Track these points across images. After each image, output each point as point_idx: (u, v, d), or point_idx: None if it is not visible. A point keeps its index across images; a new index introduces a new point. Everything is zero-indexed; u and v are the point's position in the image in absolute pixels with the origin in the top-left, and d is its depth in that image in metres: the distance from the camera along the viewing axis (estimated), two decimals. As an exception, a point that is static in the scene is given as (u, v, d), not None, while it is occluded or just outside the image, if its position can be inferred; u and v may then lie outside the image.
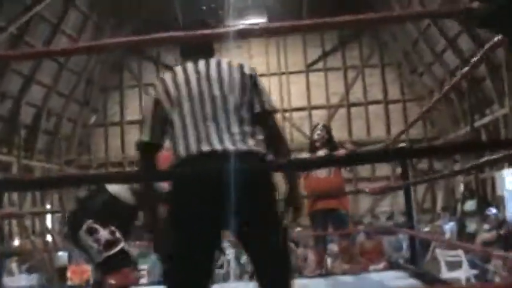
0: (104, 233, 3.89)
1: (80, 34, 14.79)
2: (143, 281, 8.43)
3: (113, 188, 4.05)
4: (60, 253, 12.35)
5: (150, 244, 9.95)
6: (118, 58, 17.56)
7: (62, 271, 11.76)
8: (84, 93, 16.83)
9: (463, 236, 11.30)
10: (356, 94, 17.65)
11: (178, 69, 2.75)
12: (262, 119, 2.80)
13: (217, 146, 2.52)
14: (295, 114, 17.69)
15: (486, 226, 9.79)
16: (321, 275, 6.28)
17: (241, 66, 2.79)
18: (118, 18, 16.01)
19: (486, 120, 12.95)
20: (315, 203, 6.41)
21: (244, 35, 3.53)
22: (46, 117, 14.94)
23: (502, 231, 9.06)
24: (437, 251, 9.48)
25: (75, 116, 16.77)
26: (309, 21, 2.81)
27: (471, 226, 11.24)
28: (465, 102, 13.59)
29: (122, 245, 3.93)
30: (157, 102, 2.66)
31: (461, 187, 13.90)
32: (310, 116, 17.60)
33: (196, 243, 2.52)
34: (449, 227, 12.02)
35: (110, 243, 3.87)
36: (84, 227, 3.92)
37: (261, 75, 16.83)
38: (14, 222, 13.31)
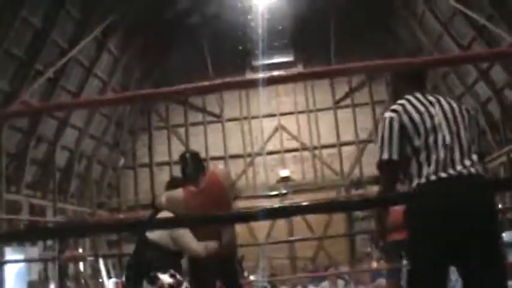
0: (165, 278, 4.00)
1: (110, 77, 14.95)
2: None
3: (154, 236, 4.19)
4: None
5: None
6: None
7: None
8: (114, 135, 16.92)
9: None
10: (385, 129, 17.57)
11: (413, 99, 2.94)
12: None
13: (462, 171, 2.73)
14: (325, 152, 17.64)
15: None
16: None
17: (464, 106, 3.01)
18: (147, 62, 16.18)
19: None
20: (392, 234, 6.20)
21: (277, 82, 3.52)
22: (78, 161, 14.98)
23: None
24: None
25: (104, 158, 16.81)
26: (341, 66, 2.87)
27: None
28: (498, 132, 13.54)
29: (184, 285, 4.06)
30: (402, 126, 2.85)
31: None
32: (339, 152, 17.54)
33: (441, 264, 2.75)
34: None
35: (174, 286, 3.99)
36: (146, 278, 4.02)
37: (289, 113, 17.01)
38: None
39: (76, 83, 13.67)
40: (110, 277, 14.61)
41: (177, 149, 17.58)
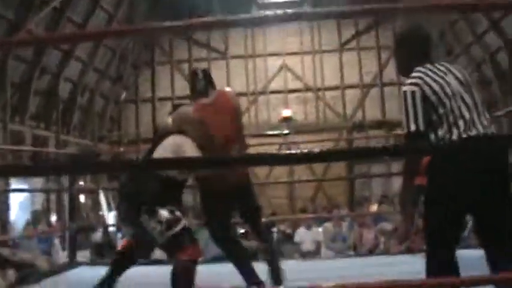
0: (163, 213, 3.83)
1: (116, 10, 14.71)
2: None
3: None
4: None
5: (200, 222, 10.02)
6: (150, 34, 17.47)
7: (97, 248, 11.74)
8: (118, 69, 16.79)
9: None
10: (389, 74, 17.49)
11: (428, 71, 3.18)
12: None
13: (481, 131, 3.03)
14: (328, 94, 17.59)
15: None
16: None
17: (463, 71, 3.28)
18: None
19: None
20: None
21: (281, 20, 3.44)
22: (81, 93, 14.91)
23: None
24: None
25: (107, 92, 16.73)
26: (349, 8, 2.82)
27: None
28: (506, 83, 13.50)
29: (183, 222, 3.88)
30: (424, 98, 3.08)
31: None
32: (343, 95, 17.50)
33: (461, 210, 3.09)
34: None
35: (172, 223, 3.82)
36: (144, 210, 3.86)
37: (295, 53, 16.84)
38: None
39: (82, 14, 13.47)
40: (110, 210, 14.77)
41: (180, 85, 17.52)
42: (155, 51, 18.02)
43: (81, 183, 15.50)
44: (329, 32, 17.61)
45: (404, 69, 3.31)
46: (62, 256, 9.46)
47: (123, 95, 17.90)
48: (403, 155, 3.19)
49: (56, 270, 6.46)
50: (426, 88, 3.09)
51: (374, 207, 12.63)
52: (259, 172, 16.16)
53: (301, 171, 15.96)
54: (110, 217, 14.44)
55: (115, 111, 17.74)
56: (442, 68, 3.20)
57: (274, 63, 17.68)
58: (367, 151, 2.74)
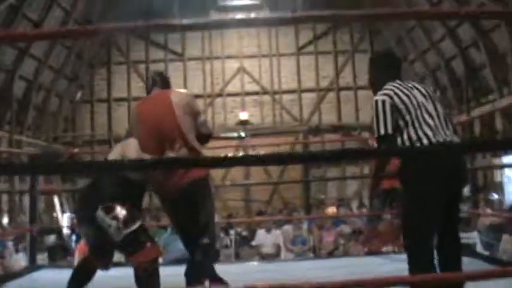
0: (121, 211, 3.85)
1: (73, 8, 14.51)
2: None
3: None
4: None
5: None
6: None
7: (51, 250, 11.55)
8: (73, 68, 16.54)
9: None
10: (346, 78, 17.74)
11: (397, 85, 3.70)
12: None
13: (446, 138, 3.54)
14: (285, 97, 17.69)
15: (488, 210, 9.99)
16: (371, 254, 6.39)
17: (427, 88, 3.81)
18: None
19: (485, 109, 13.08)
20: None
21: (245, 24, 3.55)
22: (36, 92, 14.63)
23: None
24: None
25: (62, 91, 16.45)
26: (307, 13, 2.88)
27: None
28: (460, 90, 13.83)
29: (140, 221, 3.91)
30: (393, 106, 3.57)
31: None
32: (300, 98, 17.63)
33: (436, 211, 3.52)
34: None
35: (128, 220, 3.83)
36: (100, 207, 3.87)
37: (252, 56, 16.93)
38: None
39: (38, 12, 13.23)
40: (63, 212, 14.54)
41: (137, 86, 17.41)
42: (112, 50, 17.82)
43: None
44: (286, 36, 17.72)
45: (378, 85, 3.76)
46: (17, 259, 9.31)
47: (79, 95, 17.64)
48: (378, 156, 3.56)
49: (11, 274, 6.35)
50: (395, 98, 3.60)
51: (331, 210, 12.76)
52: (215, 174, 16.16)
53: (257, 174, 16.04)
54: (64, 219, 14.20)
55: (70, 111, 17.47)
56: (409, 85, 3.74)
57: (231, 65, 17.69)
58: (343, 153, 2.85)
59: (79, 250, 9.41)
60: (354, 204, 16.01)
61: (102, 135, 17.43)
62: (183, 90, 4.53)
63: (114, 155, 4.16)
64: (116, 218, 3.83)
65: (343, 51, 17.76)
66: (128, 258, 4.39)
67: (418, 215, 3.47)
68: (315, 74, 17.73)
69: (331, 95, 17.65)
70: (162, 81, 4.49)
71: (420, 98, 3.63)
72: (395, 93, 3.63)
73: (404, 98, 3.62)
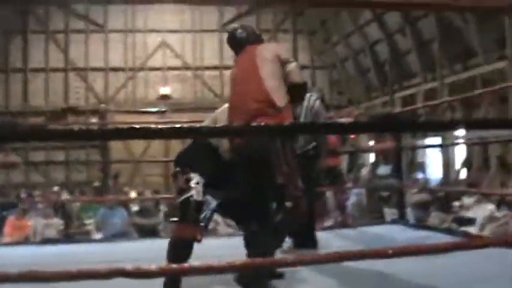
0: (180, 180, 3.60)
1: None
2: (95, 236, 8.29)
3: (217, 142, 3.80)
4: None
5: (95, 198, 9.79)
6: (23, 0, 16.64)
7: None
8: (-14, 35, 15.90)
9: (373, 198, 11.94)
10: (268, 57, 17.85)
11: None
12: None
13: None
14: (207, 73, 17.69)
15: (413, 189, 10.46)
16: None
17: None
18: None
19: (408, 92, 13.66)
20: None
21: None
22: None
23: (440, 194, 9.89)
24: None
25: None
26: None
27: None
28: (383, 73, 14.29)
29: (189, 194, 3.52)
30: None
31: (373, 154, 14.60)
32: (221, 75, 17.65)
33: None
34: (356, 191, 12.55)
35: (184, 190, 3.54)
36: (177, 169, 3.67)
37: (175, 31, 16.71)
38: None
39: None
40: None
41: (55, 57, 16.95)
42: (29, 18, 17.17)
43: None
44: (210, 12, 17.65)
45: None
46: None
47: (-8, 63, 16.97)
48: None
49: None
50: None
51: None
52: (135, 149, 16.03)
53: (177, 150, 15.92)
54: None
55: (-17, 81, 16.80)
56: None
57: (154, 39, 17.49)
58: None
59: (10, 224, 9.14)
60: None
61: (16, 107, 16.83)
62: (272, 43, 4.07)
63: (208, 119, 4.05)
64: (176, 185, 3.67)
65: (266, 30, 17.85)
66: None
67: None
68: (238, 51, 17.74)
69: (253, 73, 17.74)
70: (253, 35, 3.96)
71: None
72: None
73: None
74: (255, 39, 3.86)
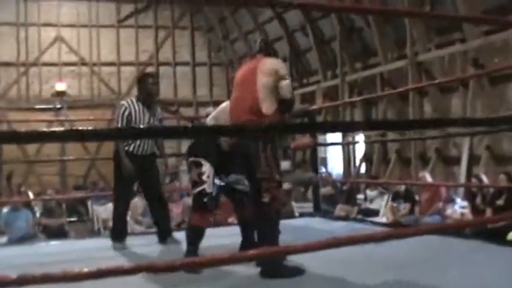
0: (194, 173, 4.12)
1: None
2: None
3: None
4: None
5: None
6: None
7: None
8: None
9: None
10: (165, 54, 17.91)
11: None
12: None
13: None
14: (104, 69, 17.48)
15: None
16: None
17: None
18: None
19: (307, 89, 14.34)
20: None
21: None
22: None
23: (344, 187, 10.75)
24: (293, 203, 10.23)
25: None
26: None
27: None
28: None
29: (202, 187, 4.07)
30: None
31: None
32: (119, 71, 17.52)
33: None
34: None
35: (197, 182, 4.09)
36: (190, 159, 4.18)
37: (71, 25, 16.42)
38: None
39: None
40: None
41: None
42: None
43: None
44: (107, 7, 17.44)
45: None
46: None
47: None
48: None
49: None
50: None
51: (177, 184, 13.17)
52: (29, 148, 15.66)
53: (73, 149, 15.66)
54: None
55: None
56: None
57: (48, 34, 17.02)
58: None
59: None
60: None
61: None
62: (275, 59, 4.28)
63: (210, 117, 4.50)
64: (190, 178, 4.20)
65: (163, 26, 17.87)
66: None
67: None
68: (135, 47, 17.69)
69: (151, 70, 17.72)
70: (266, 49, 4.34)
71: None
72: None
73: None
74: (266, 52, 4.26)
